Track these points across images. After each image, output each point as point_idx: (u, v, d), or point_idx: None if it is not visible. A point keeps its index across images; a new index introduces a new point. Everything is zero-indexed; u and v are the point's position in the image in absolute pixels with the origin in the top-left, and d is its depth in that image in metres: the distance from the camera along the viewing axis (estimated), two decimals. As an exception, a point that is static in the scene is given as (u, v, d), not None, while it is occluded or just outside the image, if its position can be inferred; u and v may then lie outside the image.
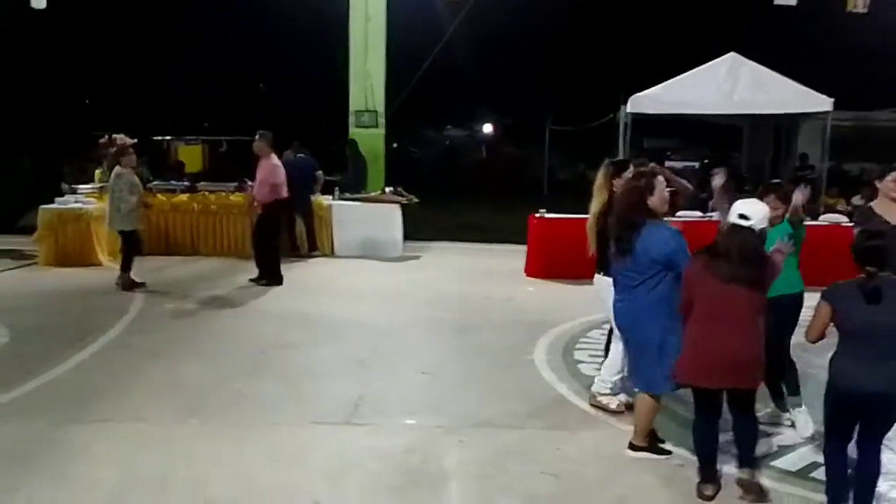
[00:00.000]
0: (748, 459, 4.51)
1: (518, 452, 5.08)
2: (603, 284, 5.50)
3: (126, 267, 9.68)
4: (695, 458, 4.68)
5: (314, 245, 12.38)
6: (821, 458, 4.55)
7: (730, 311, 4.26)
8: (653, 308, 4.66)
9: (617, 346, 5.60)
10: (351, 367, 6.80)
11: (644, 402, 4.91)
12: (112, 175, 9.71)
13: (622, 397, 5.72)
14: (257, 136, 10.27)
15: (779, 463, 4.98)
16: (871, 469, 4.12)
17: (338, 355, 7.15)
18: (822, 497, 4.31)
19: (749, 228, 4.27)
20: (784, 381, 5.44)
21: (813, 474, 4.80)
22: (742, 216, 4.28)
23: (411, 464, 4.89)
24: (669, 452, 5.00)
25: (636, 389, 5.04)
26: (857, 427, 4.12)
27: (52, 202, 11.73)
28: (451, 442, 5.23)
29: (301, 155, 12.69)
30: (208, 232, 12.32)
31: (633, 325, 4.82)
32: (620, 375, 5.66)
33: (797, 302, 5.29)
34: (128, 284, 9.58)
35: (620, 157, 12.52)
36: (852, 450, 4.21)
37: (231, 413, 5.70)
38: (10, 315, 8.15)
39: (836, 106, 12.84)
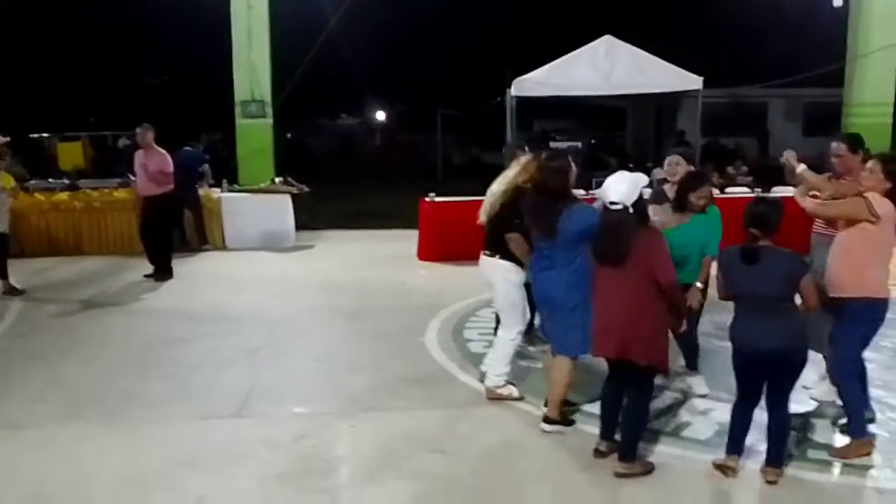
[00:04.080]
0: (628, 449, 4.56)
1: (408, 433, 5.17)
2: (496, 268, 5.56)
3: (3, 273, 9.20)
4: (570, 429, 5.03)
5: (204, 238, 12.15)
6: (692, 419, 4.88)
7: (608, 288, 4.45)
8: (574, 278, 4.80)
9: (506, 338, 5.65)
10: (242, 359, 6.76)
11: (562, 366, 5.01)
12: None
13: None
14: (139, 129, 10.06)
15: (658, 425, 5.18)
16: (778, 424, 4.37)
17: (229, 348, 7.08)
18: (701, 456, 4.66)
19: (619, 209, 4.36)
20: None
21: (685, 433, 5.10)
22: (612, 202, 4.39)
23: (301, 451, 4.94)
24: (573, 422, 5.18)
25: (553, 356, 5.10)
26: (763, 387, 4.37)
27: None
28: (342, 427, 5.30)
29: (188, 148, 12.44)
30: (92, 230, 11.91)
31: (556, 294, 4.90)
32: (510, 367, 5.71)
33: None
34: (7, 290, 9.12)
35: (508, 139, 12.75)
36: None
37: (117, 413, 5.59)
38: None
39: (711, 84, 13.38)
